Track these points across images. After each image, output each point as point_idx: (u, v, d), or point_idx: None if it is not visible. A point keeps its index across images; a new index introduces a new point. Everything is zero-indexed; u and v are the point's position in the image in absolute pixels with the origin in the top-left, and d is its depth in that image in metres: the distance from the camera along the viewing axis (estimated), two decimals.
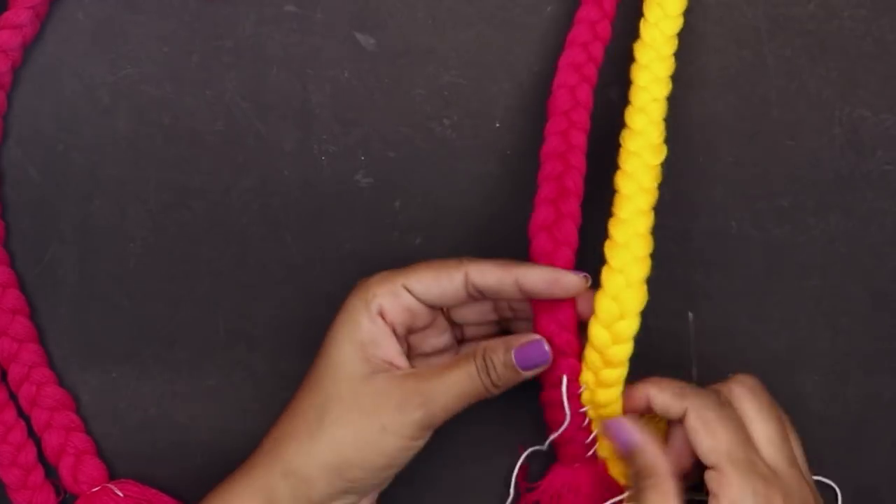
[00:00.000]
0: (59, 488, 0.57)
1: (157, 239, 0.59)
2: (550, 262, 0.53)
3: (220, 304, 0.58)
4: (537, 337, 0.52)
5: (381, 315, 0.52)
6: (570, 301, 0.53)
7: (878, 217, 0.58)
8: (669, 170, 0.58)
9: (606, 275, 0.52)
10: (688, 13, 0.58)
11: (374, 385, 0.51)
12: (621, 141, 0.54)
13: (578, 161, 0.54)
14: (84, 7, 0.59)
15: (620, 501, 0.52)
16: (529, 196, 0.57)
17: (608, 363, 0.53)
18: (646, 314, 0.58)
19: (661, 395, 0.52)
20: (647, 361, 0.58)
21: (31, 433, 0.57)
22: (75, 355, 0.58)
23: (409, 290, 0.52)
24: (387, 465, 0.51)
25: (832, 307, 0.58)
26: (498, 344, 0.52)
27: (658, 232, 0.58)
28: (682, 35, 0.58)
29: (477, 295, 0.52)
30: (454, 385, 0.51)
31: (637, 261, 0.52)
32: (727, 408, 0.51)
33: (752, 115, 0.59)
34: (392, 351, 0.52)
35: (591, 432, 0.54)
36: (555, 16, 0.59)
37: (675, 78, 0.58)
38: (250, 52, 0.59)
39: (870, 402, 0.58)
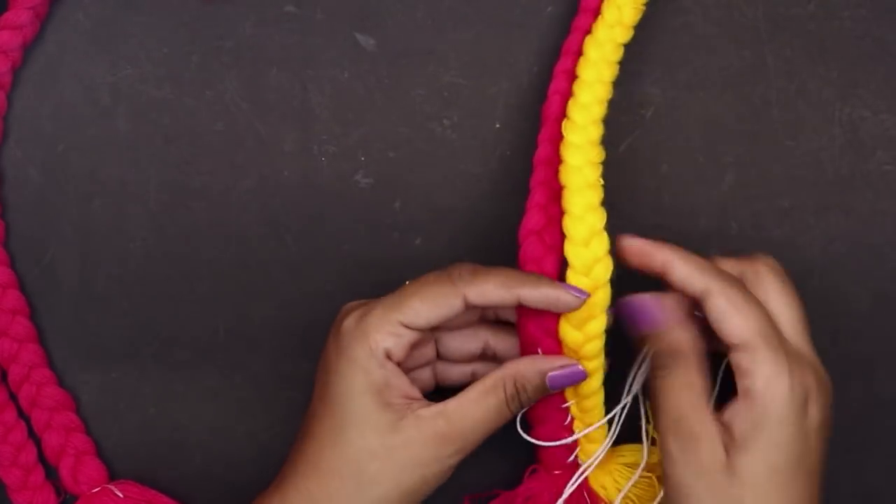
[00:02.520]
0: (59, 489, 0.57)
1: (157, 239, 0.59)
2: (539, 265, 0.53)
3: (220, 304, 0.58)
4: (571, 361, 0.52)
5: (388, 356, 0.51)
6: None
7: (878, 217, 0.58)
8: (669, 170, 0.59)
9: (571, 275, 0.53)
10: (688, 13, 0.58)
11: (404, 435, 0.50)
12: (563, 132, 0.55)
13: None
14: (84, 7, 0.59)
15: None
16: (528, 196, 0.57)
17: (583, 358, 0.53)
18: None
19: (685, 266, 0.51)
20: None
21: (31, 434, 0.57)
22: (75, 355, 0.58)
23: (408, 327, 0.51)
24: (425, 497, 0.51)
25: (832, 307, 0.58)
26: (528, 370, 0.51)
27: (658, 232, 0.58)
28: (683, 35, 0.58)
29: (472, 309, 0.52)
30: (485, 421, 0.51)
31: (598, 261, 0.53)
32: (750, 291, 0.50)
33: (752, 115, 0.59)
34: (405, 386, 0.51)
35: (572, 432, 0.55)
36: (555, 16, 0.59)
37: (676, 78, 0.58)
38: (250, 53, 0.59)
39: (870, 402, 0.58)
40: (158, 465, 0.58)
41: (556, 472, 0.55)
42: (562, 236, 0.53)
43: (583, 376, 0.52)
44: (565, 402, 0.55)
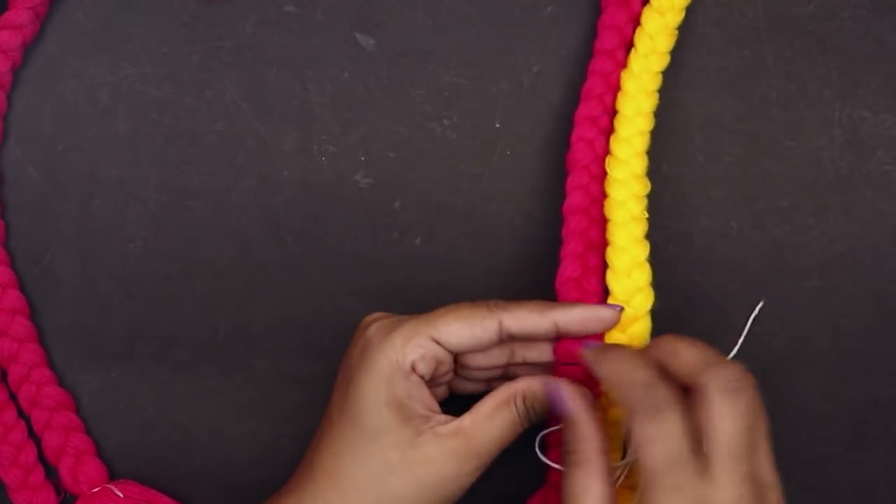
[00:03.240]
0: (59, 488, 0.57)
1: (157, 239, 0.59)
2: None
3: (220, 304, 0.58)
4: (577, 389, 0.51)
5: (413, 369, 0.50)
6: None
7: (878, 217, 0.58)
8: (669, 170, 0.59)
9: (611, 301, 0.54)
10: (688, 13, 0.58)
11: (423, 452, 0.50)
12: (607, 168, 0.55)
13: (599, 214, 0.55)
14: (84, 7, 0.59)
15: None
16: (529, 196, 0.57)
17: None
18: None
19: (611, 386, 0.50)
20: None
21: (31, 433, 0.57)
22: (75, 355, 0.58)
23: (439, 343, 0.50)
24: None
25: (832, 307, 0.58)
26: (540, 388, 0.51)
27: (658, 233, 0.58)
28: (682, 35, 0.58)
29: (507, 338, 0.52)
30: (501, 437, 0.51)
31: (641, 292, 0.54)
32: (667, 420, 0.47)
33: (752, 115, 0.59)
34: (427, 399, 0.51)
35: None
36: (555, 16, 0.59)
37: (675, 78, 0.58)
38: (250, 53, 0.59)
39: (870, 402, 0.58)
40: (158, 465, 0.58)
41: None
42: (600, 286, 0.54)
43: (589, 397, 0.51)
44: None
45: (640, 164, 0.56)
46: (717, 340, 0.58)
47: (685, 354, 0.49)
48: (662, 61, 0.57)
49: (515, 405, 0.51)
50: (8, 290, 0.57)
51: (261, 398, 0.58)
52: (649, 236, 0.58)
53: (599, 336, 0.53)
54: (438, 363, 0.51)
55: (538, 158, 0.58)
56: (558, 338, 0.53)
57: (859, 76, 0.59)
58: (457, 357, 0.53)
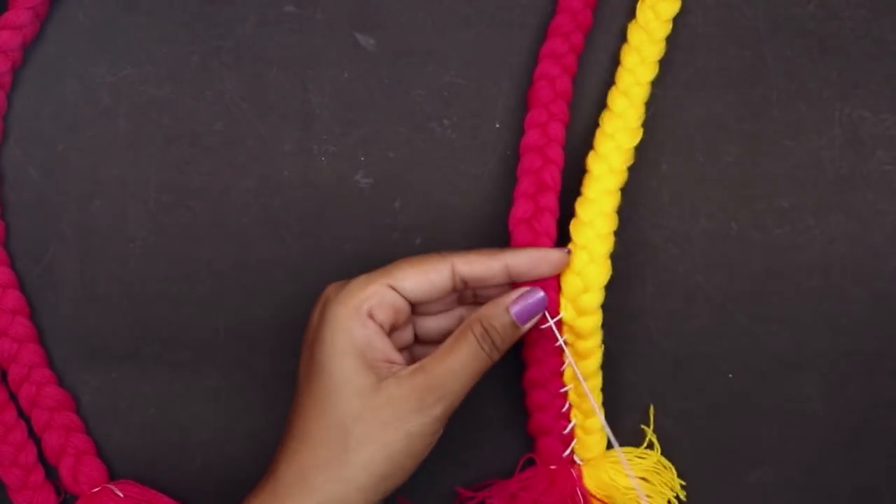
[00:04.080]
0: (59, 489, 0.57)
1: (157, 239, 0.59)
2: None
3: (220, 304, 0.58)
4: (528, 288, 0.53)
5: (371, 316, 0.51)
6: (554, 277, 0.54)
7: (878, 217, 0.58)
8: (669, 170, 0.59)
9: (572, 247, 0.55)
10: (688, 13, 0.58)
11: (386, 393, 0.50)
12: (599, 122, 0.56)
13: (556, 155, 0.56)
14: (84, 7, 0.59)
15: None
16: None
17: (578, 335, 0.55)
18: (645, 314, 0.58)
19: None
20: (646, 361, 0.58)
21: (31, 433, 0.57)
22: (75, 355, 0.58)
23: (395, 290, 0.52)
24: (416, 464, 0.51)
25: (832, 307, 0.58)
26: (492, 309, 0.52)
27: (658, 232, 0.58)
28: (682, 35, 0.58)
29: (461, 286, 0.53)
30: (463, 368, 0.51)
31: (600, 238, 0.55)
32: None
33: (752, 115, 0.59)
34: (388, 349, 0.52)
35: (569, 421, 0.55)
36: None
37: (675, 78, 0.58)
38: (250, 52, 0.59)
39: (870, 402, 0.58)
40: (158, 465, 0.58)
41: (552, 466, 0.55)
42: (553, 226, 0.55)
43: (543, 302, 0.53)
44: (563, 386, 0.55)
45: (636, 117, 0.56)
46: (718, 340, 0.58)
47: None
48: (672, 9, 0.57)
49: (473, 332, 0.51)
50: (8, 290, 0.57)
51: (261, 398, 0.58)
52: (649, 236, 0.58)
53: (552, 280, 0.54)
54: (396, 311, 0.52)
55: None
56: (512, 283, 0.54)
57: (859, 76, 0.59)
58: (415, 325, 0.54)
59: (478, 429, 0.58)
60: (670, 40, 0.58)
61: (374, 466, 0.50)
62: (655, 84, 0.58)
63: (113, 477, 0.58)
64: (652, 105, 0.58)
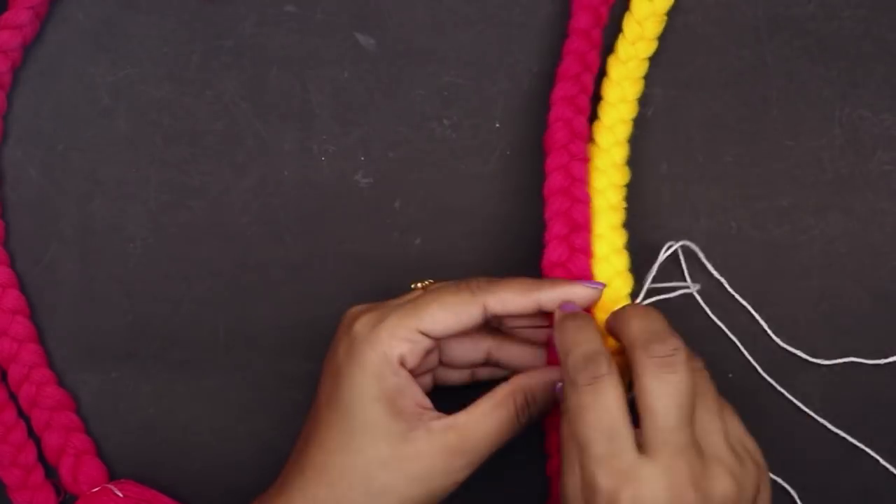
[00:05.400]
0: (58, 488, 0.57)
1: (157, 239, 0.59)
2: None
3: (220, 304, 0.58)
4: None
5: (402, 363, 0.50)
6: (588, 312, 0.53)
7: (878, 217, 0.58)
8: (669, 170, 0.59)
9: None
10: (688, 13, 0.58)
11: (415, 447, 0.49)
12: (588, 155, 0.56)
13: (582, 194, 0.55)
14: (84, 7, 0.59)
15: None
16: (529, 196, 0.57)
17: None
18: None
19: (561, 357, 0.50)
20: None
21: (31, 433, 0.57)
22: (75, 355, 0.58)
23: (426, 334, 0.50)
24: None
25: (832, 307, 0.58)
26: (538, 381, 0.51)
27: (658, 232, 0.58)
28: (682, 35, 0.58)
29: (493, 321, 0.52)
30: (496, 435, 0.50)
31: (618, 275, 0.55)
32: (597, 391, 0.48)
33: (752, 115, 0.59)
34: (419, 396, 0.51)
35: None
36: (555, 16, 0.59)
37: (676, 78, 0.58)
38: (250, 52, 0.59)
39: (870, 402, 0.58)
40: (158, 465, 0.58)
41: None
42: (587, 267, 0.55)
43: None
44: None
45: (620, 153, 0.56)
46: (718, 340, 0.58)
47: (632, 327, 0.49)
48: (650, 48, 0.57)
49: (514, 402, 0.51)
50: (8, 290, 0.57)
51: (261, 398, 0.58)
52: (649, 236, 0.58)
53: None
54: (426, 354, 0.51)
55: (538, 158, 0.57)
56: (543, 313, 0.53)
57: (859, 76, 0.59)
58: (440, 349, 0.54)
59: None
60: (671, 40, 0.58)
61: None
62: (655, 84, 0.58)
63: (112, 477, 0.58)
64: (652, 105, 0.58)
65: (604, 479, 0.46)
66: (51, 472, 0.57)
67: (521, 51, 0.59)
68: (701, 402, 0.49)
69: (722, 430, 0.49)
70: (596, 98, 0.57)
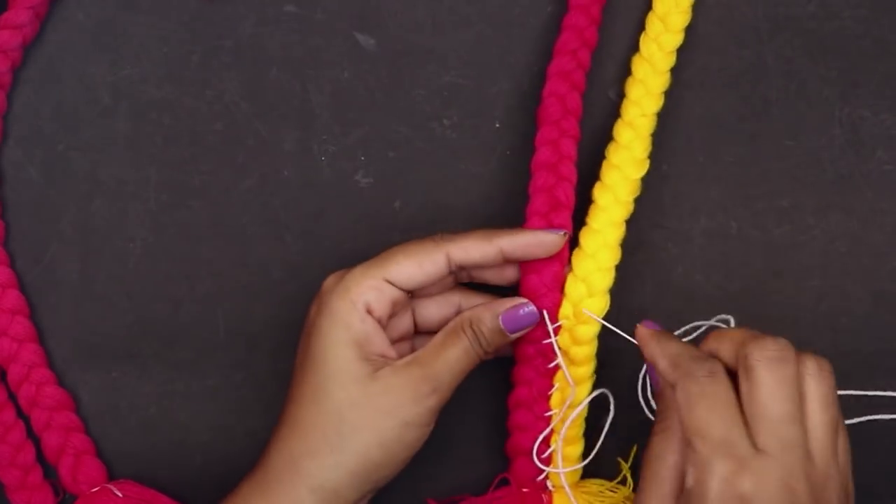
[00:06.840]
0: (58, 488, 0.57)
1: (157, 239, 0.59)
2: (540, 274, 0.54)
3: (220, 304, 0.58)
4: (522, 300, 0.53)
5: (369, 311, 0.52)
6: (557, 263, 0.54)
7: (878, 217, 0.58)
8: (669, 170, 0.59)
9: (570, 282, 0.55)
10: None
11: (383, 382, 0.51)
12: (606, 154, 0.56)
13: (569, 172, 0.55)
14: (84, 7, 0.59)
15: None
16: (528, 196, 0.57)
17: (576, 341, 0.55)
18: (645, 314, 0.58)
19: (661, 361, 0.50)
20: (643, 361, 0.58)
21: (30, 433, 0.57)
22: (75, 355, 0.58)
23: (392, 283, 0.52)
24: (408, 457, 0.52)
25: (832, 307, 0.58)
26: (484, 312, 0.53)
27: (658, 232, 0.58)
28: (683, 35, 0.58)
29: (457, 270, 0.54)
30: (455, 363, 0.52)
31: (601, 271, 0.55)
32: (715, 382, 0.48)
33: (752, 115, 0.59)
34: (384, 345, 0.52)
35: (549, 446, 0.55)
36: (555, 16, 0.59)
37: (675, 78, 0.58)
38: (250, 52, 0.59)
39: (870, 402, 0.58)
40: (158, 465, 0.58)
41: (524, 489, 0.55)
42: (566, 246, 0.54)
43: (534, 317, 0.53)
44: (549, 410, 0.55)
45: (642, 148, 0.56)
46: None
47: (731, 335, 0.50)
48: (676, 40, 0.57)
49: (464, 331, 0.52)
50: (8, 290, 0.57)
51: (261, 398, 0.58)
52: (649, 236, 0.58)
53: (555, 267, 0.54)
54: (393, 303, 0.52)
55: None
56: (505, 261, 0.54)
57: (859, 76, 0.59)
58: (414, 312, 0.55)
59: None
60: None
61: (368, 452, 0.51)
62: None
63: (112, 477, 0.58)
64: None
65: (721, 465, 0.46)
66: (50, 473, 0.57)
67: (521, 51, 0.59)
68: (825, 410, 0.49)
69: (830, 425, 0.49)
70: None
